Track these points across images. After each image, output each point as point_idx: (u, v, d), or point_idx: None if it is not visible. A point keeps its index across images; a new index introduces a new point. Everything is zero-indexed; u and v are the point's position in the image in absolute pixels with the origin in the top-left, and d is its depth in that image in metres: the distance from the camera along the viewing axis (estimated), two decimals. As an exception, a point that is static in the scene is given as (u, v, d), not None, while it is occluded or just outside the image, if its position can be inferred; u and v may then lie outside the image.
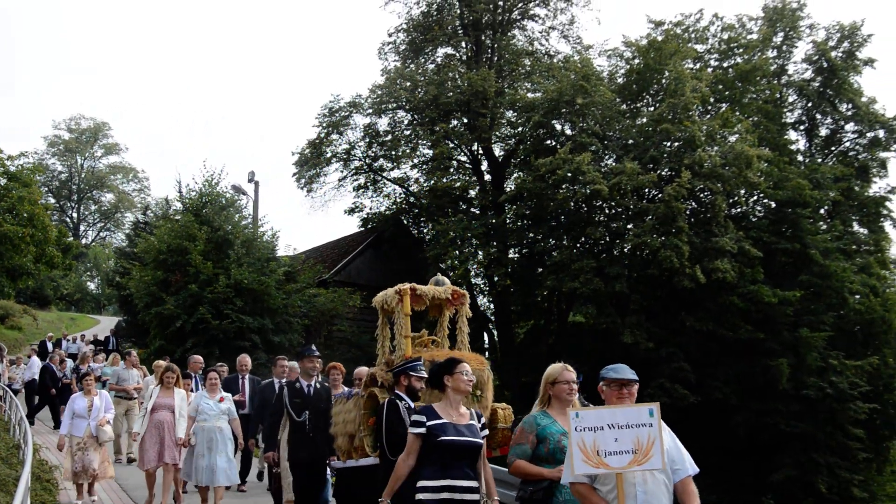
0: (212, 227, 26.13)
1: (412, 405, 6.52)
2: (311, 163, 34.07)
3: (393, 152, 34.12)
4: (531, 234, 30.81)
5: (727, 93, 33.55)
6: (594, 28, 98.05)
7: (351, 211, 35.84)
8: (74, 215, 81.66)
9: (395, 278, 29.50)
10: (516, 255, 32.16)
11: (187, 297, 24.73)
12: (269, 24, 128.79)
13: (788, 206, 29.66)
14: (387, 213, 35.37)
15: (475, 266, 32.10)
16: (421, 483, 5.48)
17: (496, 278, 30.26)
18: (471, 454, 5.58)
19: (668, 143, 28.69)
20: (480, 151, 34.03)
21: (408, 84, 32.04)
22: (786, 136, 34.66)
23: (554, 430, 5.50)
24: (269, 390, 11.39)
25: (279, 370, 11.96)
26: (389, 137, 33.84)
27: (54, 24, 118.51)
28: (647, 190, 28.33)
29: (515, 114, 31.76)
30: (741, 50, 34.64)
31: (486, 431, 5.91)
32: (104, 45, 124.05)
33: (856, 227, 34.43)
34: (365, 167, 35.00)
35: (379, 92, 32.56)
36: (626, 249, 29.63)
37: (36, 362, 22.56)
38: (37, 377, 22.25)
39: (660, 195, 27.54)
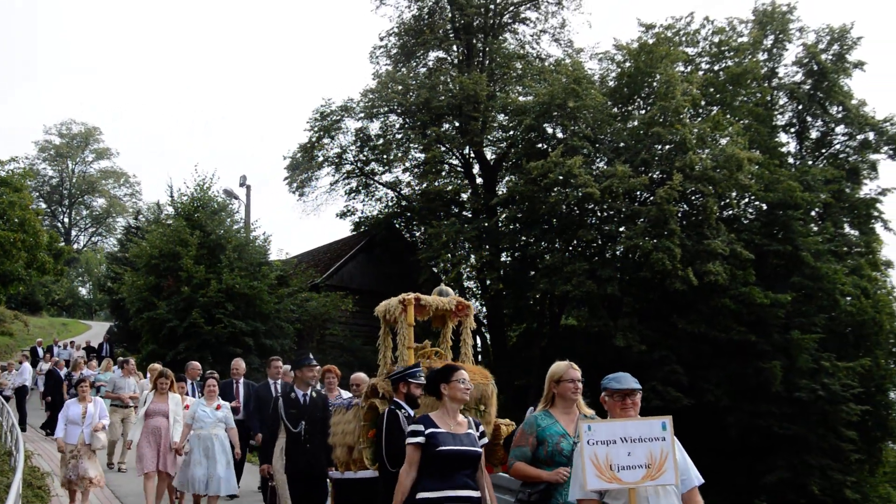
0: (204, 232, 26.07)
1: (412, 413, 6.41)
2: (302, 167, 34.06)
3: (385, 156, 34.16)
4: (523, 238, 30.80)
5: (718, 96, 33.61)
6: (585, 31, 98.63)
7: (343, 215, 35.89)
8: (66, 220, 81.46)
9: (388, 282, 29.68)
10: (508, 258, 32.17)
11: (179, 301, 24.67)
12: (260, 30, 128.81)
13: (780, 209, 29.71)
14: (379, 216, 35.38)
15: (467, 269, 32.15)
16: (421, 495, 5.37)
17: (488, 282, 30.26)
18: (470, 463, 5.48)
19: (660, 146, 28.73)
20: (472, 155, 34.06)
21: (399, 88, 32.04)
22: (776, 139, 34.74)
23: (553, 432, 5.40)
24: (265, 392, 11.26)
25: (273, 371, 11.80)
26: (381, 141, 33.87)
27: (45, 28, 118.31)
28: (638, 193, 28.34)
29: (507, 117, 31.77)
30: (732, 53, 34.70)
31: (486, 439, 5.81)
32: (95, 49, 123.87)
33: (847, 228, 34.50)
34: (357, 171, 35.03)
35: (371, 96, 32.57)
36: (618, 252, 29.68)
37: (27, 368, 22.48)
38: (28, 383, 22.18)
39: (651, 198, 27.57)
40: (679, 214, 27.94)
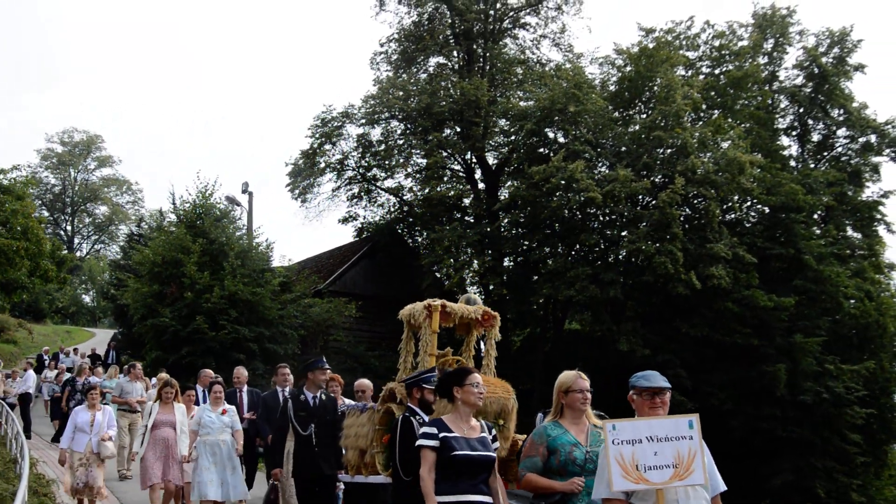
0: (207, 239, 26.11)
1: (426, 419, 6.20)
2: (304, 173, 34.09)
3: (386, 162, 34.17)
4: (526, 242, 30.81)
5: (719, 99, 33.67)
6: (585, 36, 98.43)
7: (345, 220, 35.90)
8: (69, 228, 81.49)
9: (391, 288, 29.73)
10: (511, 263, 32.19)
11: (183, 307, 24.71)
12: (260, 37, 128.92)
13: (782, 212, 29.72)
14: (381, 222, 35.43)
15: (470, 274, 32.16)
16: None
17: (491, 286, 30.26)
18: (484, 469, 5.36)
19: (661, 150, 28.75)
20: (474, 160, 34.11)
21: (400, 94, 32.08)
22: (778, 142, 34.76)
23: (564, 441, 5.26)
24: (273, 400, 11.12)
25: (280, 378, 11.58)
26: (383, 147, 33.87)
27: (44, 36, 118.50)
28: (640, 197, 28.36)
29: (508, 122, 31.79)
30: (732, 57, 34.74)
31: (498, 444, 5.66)
32: (94, 55, 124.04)
33: (850, 231, 34.51)
34: (359, 177, 35.05)
35: (372, 102, 32.62)
36: (620, 256, 29.67)
37: (31, 376, 22.47)
38: (31, 391, 22.17)
39: (654, 202, 27.58)
40: (681, 218, 27.94)
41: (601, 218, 29.63)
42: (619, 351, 26.12)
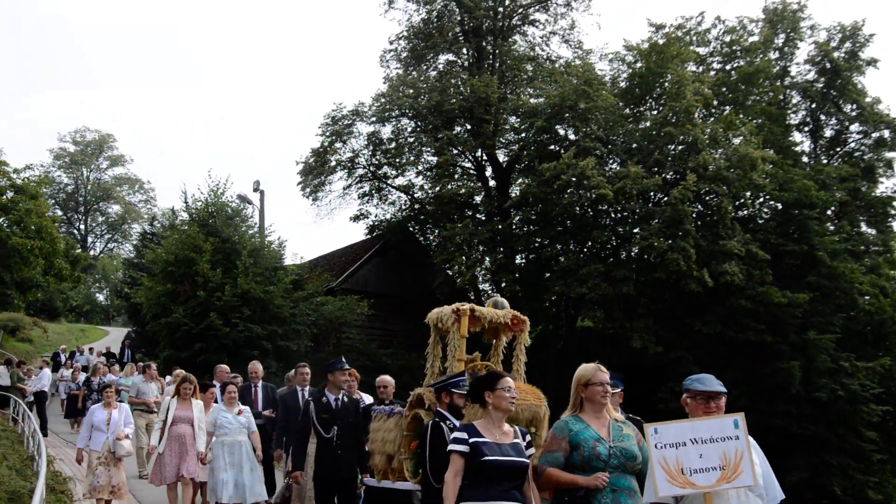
0: (219, 238, 26.19)
1: (457, 424, 6.12)
2: (315, 171, 34.12)
3: (397, 160, 34.18)
4: (537, 240, 30.75)
5: (730, 95, 33.51)
6: (595, 32, 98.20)
7: (357, 218, 35.92)
8: (82, 227, 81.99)
9: (403, 285, 29.77)
10: (523, 260, 32.14)
11: (196, 306, 24.79)
12: (269, 35, 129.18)
13: (795, 208, 29.59)
14: (393, 220, 35.45)
15: (482, 272, 32.14)
16: None
17: (503, 284, 30.22)
18: (517, 475, 5.18)
19: (672, 147, 28.66)
20: (485, 157, 34.09)
21: (410, 91, 32.06)
22: (790, 138, 34.62)
23: (588, 436, 5.13)
24: (292, 399, 10.91)
25: (300, 378, 11.27)
26: (393, 145, 33.88)
27: (53, 36, 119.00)
28: (652, 193, 28.28)
29: (518, 119, 31.73)
30: (743, 52, 34.60)
31: (532, 450, 5.48)
32: (105, 56, 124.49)
33: (863, 227, 34.38)
34: (369, 175, 35.08)
35: (382, 100, 32.60)
36: (633, 253, 29.60)
37: (46, 374, 22.62)
38: (46, 389, 22.32)
39: (665, 198, 27.50)
40: (693, 215, 27.85)
41: (613, 215, 29.57)
42: (632, 348, 26.08)
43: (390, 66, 36.47)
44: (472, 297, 30.79)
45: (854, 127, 35.81)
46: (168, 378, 16.91)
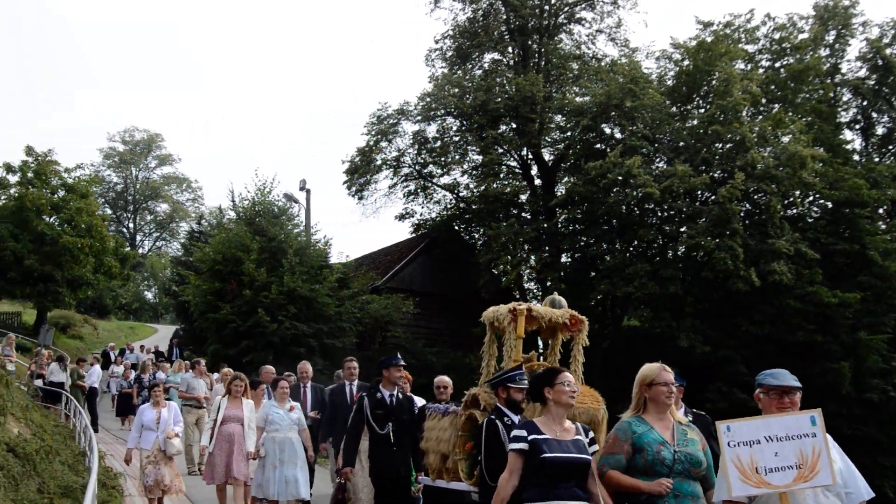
0: (265, 237, 26.44)
1: (516, 420, 5.96)
2: (361, 170, 34.31)
3: (442, 159, 34.27)
4: (583, 239, 30.62)
5: (779, 93, 33.11)
6: (641, 31, 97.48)
7: (402, 217, 36.07)
8: (131, 226, 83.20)
9: (448, 284, 29.78)
10: (568, 259, 32.01)
11: (243, 304, 25.06)
12: (316, 35, 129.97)
13: (846, 207, 29.12)
14: (438, 219, 35.52)
15: (527, 271, 32.08)
16: None
17: (549, 283, 30.13)
18: (579, 472, 4.97)
19: (720, 145, 28.40)
20: (530, 156, 34.03)
21: (456, 90, 32.13)
22: (841, 136, 34.07)
23: (651, 439, 4.96)
24: (340, 395, 10.85)
25: (347, 372, 11.09)
26: (438, 144, 33.97)
27: (110, 36, 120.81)
28: (699, 192, 28.05)
29: (564, 118, 31.65)
30: (793, 50, 34.16)
31: (596, 447, 5.28)
32: (158, 58, 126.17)
33: (917, 226, 33.71)
34: (415, 174, 35.22)
35: (427, 99, 32.72)
36: (679, 252, 29.37)
37: (96, 371, 23.00)
38: (97, 385, 22.71)
39: (713, 197, 27.26)
40: (741, 214, 27.55)
41: (659, 214, 29.36)
42: (679, 347, 25.85)
43: (436, 66, 36.60)
44: (518, 296, 30.76)
45: (907, 124, 35.20)
46: (216, 375, 17.07)
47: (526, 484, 5.00)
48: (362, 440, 8.58)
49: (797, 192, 28.98)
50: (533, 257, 30.97)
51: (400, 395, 8.45)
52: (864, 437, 26.06)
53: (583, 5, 35.46)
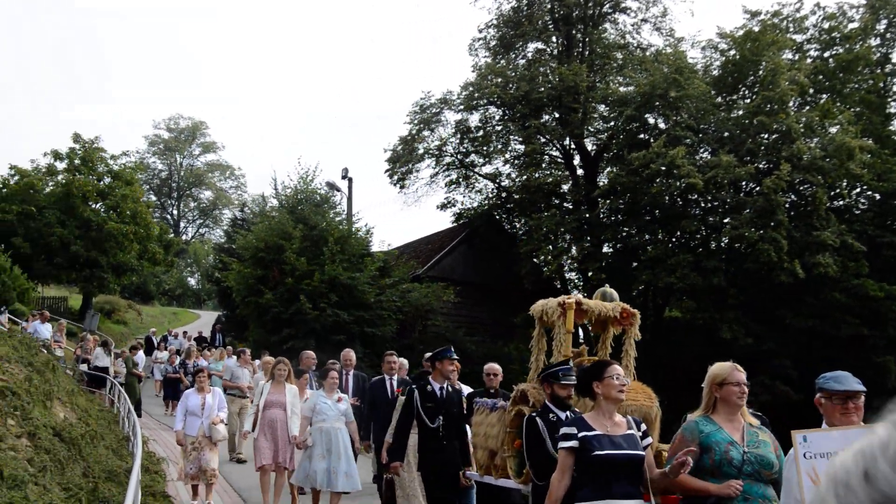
0: (307, 225, 26.60)
1: (562, 417, 5.87)
2: (403, 159, 34.37)
3: (484, 148, 34.22)
4: (625, 229, 30.46)
5: (827, 83, 32.57)
6: (687, 20, 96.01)
7: (443, 206, 36.09)
8: (175, 212, 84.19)
9: (489, 274, 29.80)
10: (610, 249, 31.85)
11: (284, 291, 25.26)
12: (359, 25, 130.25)
13: (894, 198, 28.68)
14: (479, 208, 35.48)
15: (569, 261, 31.96)
16: None
17: (590, 273, 30.01)
18: (632, 469, 4.86)
19: (766, 136, 28.06)
20: (573, 146, 33.85)
21: (499, 80, 32.03)
22: (890, 127, 33.47)
23: (720, 439, 4.81)
24: (380, 388, 10.81)
25: (387, 367, 11.12)
26: (481, 133, 33.92)
27: (151, 26, 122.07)
28: (744, 183, 27.74)
29: (608, 108, 31.45)
30: (842, 40, 33.56)
31: (650, 439, 5.19)
32: (199, 45, 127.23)
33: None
34: (457, 163, 35.19)
35: (470, 88, 32.65)
36: (722, 243, 29.11)
37: (141, 356, 23.33)
38: (141, 370, 23.04)
39: (758, 188, 26.95)
40: (786, 205, 27.22)
41: (702, 204, 29.10)
42: (722, 339, 25.65)
43: (479, 55, 36.45)
44: (559, 287, 30.66)
45: (959, 116, 34.43)
46: (257, 362, 17.19)
47: (577, 483, 4.88)
48: (410, 434, 8.48)
49: (844, 184, 28.56)
50: (574, 247, 30.81)
51: (450, 389, 8.28)
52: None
53: (627, -6, 35.17)
